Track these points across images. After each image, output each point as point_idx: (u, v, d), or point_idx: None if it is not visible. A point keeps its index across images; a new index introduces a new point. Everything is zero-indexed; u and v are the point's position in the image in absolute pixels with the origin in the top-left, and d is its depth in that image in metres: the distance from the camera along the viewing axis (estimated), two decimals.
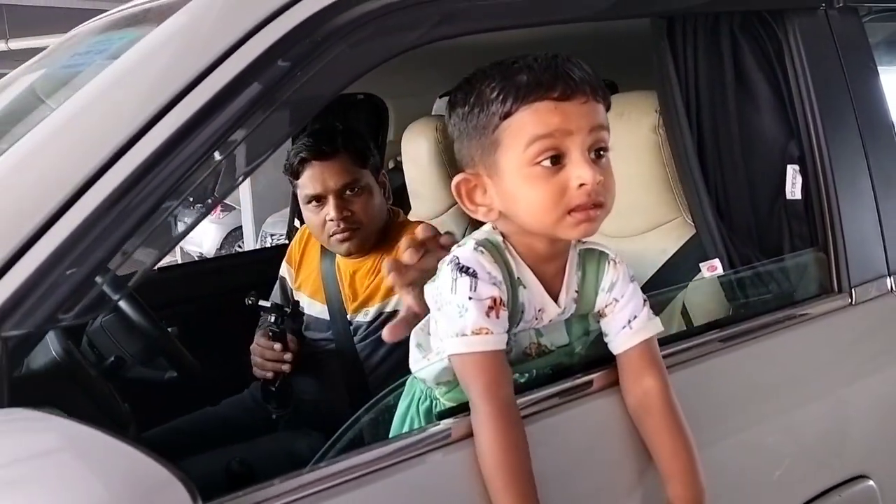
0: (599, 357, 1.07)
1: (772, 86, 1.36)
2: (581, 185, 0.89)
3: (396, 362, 1.71)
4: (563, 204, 0.90)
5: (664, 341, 1.14)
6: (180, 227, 0.87)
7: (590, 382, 1.05)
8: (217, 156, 0.87)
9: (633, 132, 1.50)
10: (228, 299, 2.12)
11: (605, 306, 1.03)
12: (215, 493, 0.80)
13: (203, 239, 8.17)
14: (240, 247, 7.82)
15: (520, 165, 0.90)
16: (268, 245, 5.81)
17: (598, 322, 1.05)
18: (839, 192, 1.33)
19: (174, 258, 8.61)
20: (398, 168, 2.38)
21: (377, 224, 1.76)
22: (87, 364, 1.52)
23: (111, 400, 1.44)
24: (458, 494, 0.92)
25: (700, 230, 1.35)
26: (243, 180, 0.95)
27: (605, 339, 1.05)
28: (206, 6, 0.97)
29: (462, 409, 0.96)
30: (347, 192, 1.70)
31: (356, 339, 1.81)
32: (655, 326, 1.04)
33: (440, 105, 2.69)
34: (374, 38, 0.95)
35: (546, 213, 0.91)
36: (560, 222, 0.91)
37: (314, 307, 1.89)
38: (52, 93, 1.17)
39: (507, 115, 0.90)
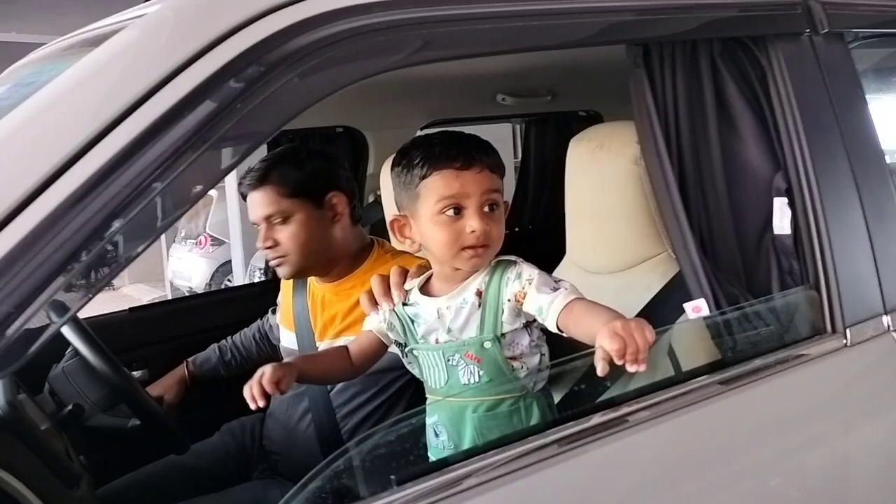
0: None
1: (756, 115, 1.31)
2: (472, 231, 1.20)
3: (366, 400, 1.66)
4: (458, 243, 1.22)
5: (650, 388, 1.10)
6: (112, 267, 0.81)
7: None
8: (155, 186, 0.83)
9: (615, 164, 1.45)
10: (208, 337, 2.06)
11: (521, 289, 1.22)
12: None
13: (192, 273, 8.12)
14: (229, 281, 7.74)
15: (431, 214, 1.22)
16: (256, 279, 5.73)
17: (521, 312, 1.21)
18: (830, 225, 1.27)
19: (164, 293, 8.55)
20: (378, 202, 2.33)
21: (315, 253, 1.70)
22: (38, 415, 1.44)
23: (61, 454, 1.37)
24: None
25: (684, 268, 1.29)
26: (186, 211, 0.90)
27: (541, 318, 1.18)
28: (132, 41, 0.92)
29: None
30: (274, 221, 1.69)
31: None
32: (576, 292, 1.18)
33: None
34: (323, 68, 0.91)
35: (447, 249, 1.23)
36: (457, 256, 1.23)
37: (286, 336, 1.83)
38: None
39: (424, 177, 1.22)
